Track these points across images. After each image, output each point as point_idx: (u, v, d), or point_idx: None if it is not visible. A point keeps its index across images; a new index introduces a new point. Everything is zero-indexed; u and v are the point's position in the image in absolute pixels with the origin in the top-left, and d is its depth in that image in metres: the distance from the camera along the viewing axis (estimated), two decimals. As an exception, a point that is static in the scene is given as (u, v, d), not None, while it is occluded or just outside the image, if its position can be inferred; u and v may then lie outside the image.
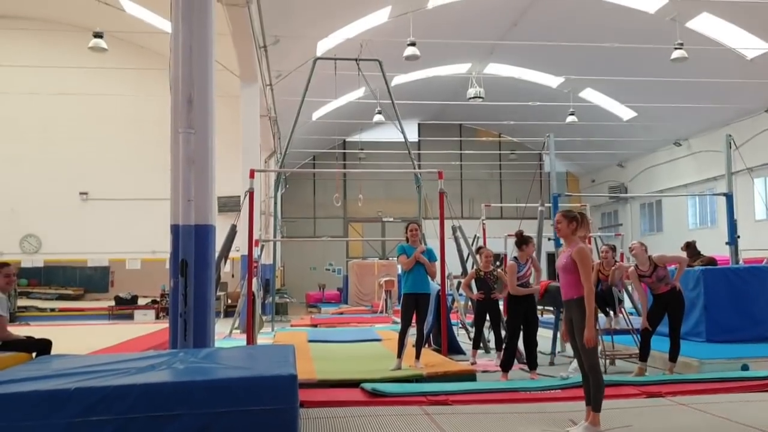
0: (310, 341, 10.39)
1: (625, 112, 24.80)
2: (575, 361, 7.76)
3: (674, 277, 7.30)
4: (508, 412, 5.30)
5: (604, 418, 4.64)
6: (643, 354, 7.33)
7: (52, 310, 19.83)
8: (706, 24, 17.32)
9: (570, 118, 22.64)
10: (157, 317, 18.54)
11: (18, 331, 6.19)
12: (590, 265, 4.60)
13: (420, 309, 7.59)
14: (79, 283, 24.93)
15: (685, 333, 9.30)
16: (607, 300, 8.80)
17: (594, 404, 4.56)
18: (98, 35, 15.92)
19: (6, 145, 21.12)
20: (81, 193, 21.76)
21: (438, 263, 8.01)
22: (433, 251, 7.76)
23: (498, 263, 10.12)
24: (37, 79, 20.80)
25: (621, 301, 8.60)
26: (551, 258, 13.72)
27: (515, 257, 7.64)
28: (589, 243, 10.10)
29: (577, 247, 4.62)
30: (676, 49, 16.03)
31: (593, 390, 4.57)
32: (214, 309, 5.77)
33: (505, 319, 8.42)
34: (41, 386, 3.71)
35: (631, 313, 9.85)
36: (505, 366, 7.35)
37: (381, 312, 18.39)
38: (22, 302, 20.03)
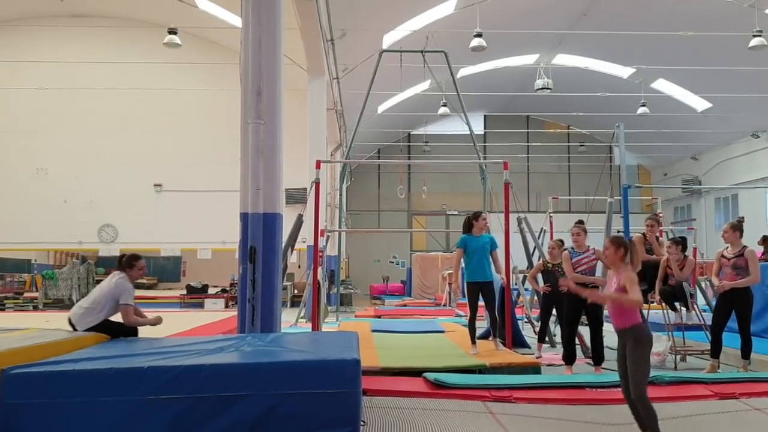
0: (374, 331, 10.44)
1: (700, 103, 23.95)
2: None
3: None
4: (575, 419, 5.00)
5: (670, 429, 4.35)
6: (715, 350, 7.10)
7: (128, 297, 20.59)
8: (788, 10, 16.53)
9: (641, 110, 21.98)
10: (227, 306, 19.03)
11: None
12: (637, 287, 4.27)
13: (486, 296, 7.73)
14: (152, 272, 25.94)
15: (762, 331, 8.97)
16: (677, 295, 8.54)
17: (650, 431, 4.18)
18: (172, 31, 16.34)
19: (86, 139, 21.92)
20: (155, 185, 22.42)
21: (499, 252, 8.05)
22: (494, 239, 7.96)
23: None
24: (114, 74, 21.55)
25: (693, 296, 8.32)
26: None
27: (571, 246, 7.53)
28: (661, 236, 9.79)
29: (624, 274, 4.30)
30: (754, 36, 15.38)
31: (645, 420, 4.17)
32: (281, 295, 5.91)
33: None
34: (117, 364, 3.89)
35: (704, 310, 9.54)
36: (568, 359, 7.26)
37: (444, 305, 18.37)
38: (99, 290, 20.87)
